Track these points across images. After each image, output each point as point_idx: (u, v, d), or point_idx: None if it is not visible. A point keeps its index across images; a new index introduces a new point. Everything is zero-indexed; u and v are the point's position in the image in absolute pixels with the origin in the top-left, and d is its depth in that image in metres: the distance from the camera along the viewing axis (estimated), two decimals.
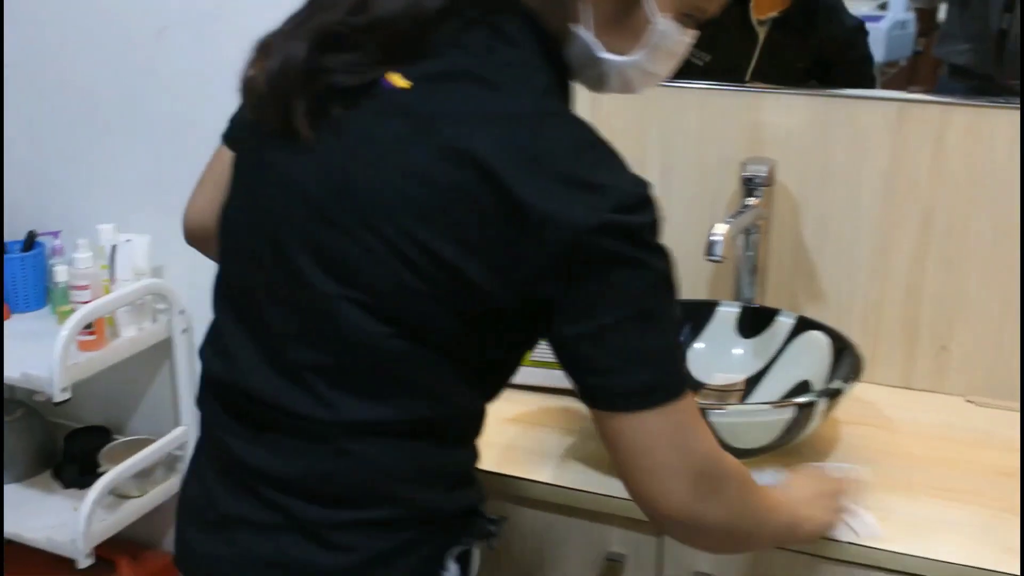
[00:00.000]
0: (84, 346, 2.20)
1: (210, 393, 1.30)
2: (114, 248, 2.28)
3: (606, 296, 1.09)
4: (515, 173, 1.06)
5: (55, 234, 2.41)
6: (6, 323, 2.36)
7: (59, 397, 2.09)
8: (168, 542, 2.57)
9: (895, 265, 1.90)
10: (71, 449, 2.47)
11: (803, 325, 1.79)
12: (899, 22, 1.82)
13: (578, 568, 1.60)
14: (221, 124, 2.25)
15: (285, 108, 1.15)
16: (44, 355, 2.09)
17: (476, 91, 1.12)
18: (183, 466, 2.43)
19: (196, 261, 2.37)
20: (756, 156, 1.86)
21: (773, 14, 1.82)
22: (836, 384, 1.63)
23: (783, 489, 1.43)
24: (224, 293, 1.30)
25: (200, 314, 2.40)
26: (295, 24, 1.19)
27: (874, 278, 1.92)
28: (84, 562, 2.18)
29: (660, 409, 1.12)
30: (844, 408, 1.71)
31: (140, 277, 2.31)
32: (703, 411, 1.48)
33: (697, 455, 1.16)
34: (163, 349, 2.42)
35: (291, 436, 1.20)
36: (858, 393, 1.77)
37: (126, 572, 2.47)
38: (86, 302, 2.19)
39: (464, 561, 1.27)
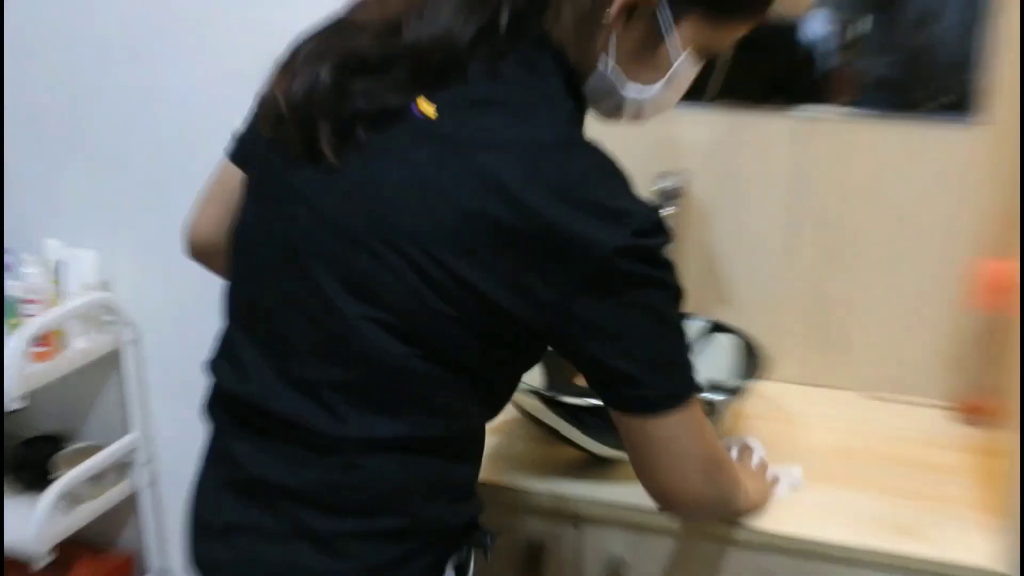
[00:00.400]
0: (36, 357, 2.20)
1: (220, 404, 1.29)
2: (62, 263, 2.29)
3: (632, 314, 1.12)
4: (545, 200, 1.05)
5: (5, 250, 2.36)
6: None
7: (15, 405, 2.09)
8: (121, 542, 2.65)
9: (798, 270, 1.92)
10: (26, 455, 2.46)
11: (713, 328, 1.81)
12: (821, 36, 1.82)
13: (503, 558, 1.60)
14: (164, 143, 2.27)
15: (309, 131, 1.13)
16: None
17: (505, 119, 1.11)
18: (133, 470, 2.47)
19: (142, 275, 2.39)
20: (671, 168, 1.87)
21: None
22: (741, 382, 1.65)
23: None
24: (237, 307, 1.27)
25: (147, 325, 2.42)
26: (320, 46, 1.16)
27: (779, 282, 1.94)
28: (41, 562, 2.19)
29: (683, 408, 1.17)
30: (751, 404, 1.76)
31: (89, 291, 2.31)
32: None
33: (708, 443, 1.23)
34: (112, 360, 2.41)
35: (302, 448, 1.18)
36: (764, 390, 1.80)
37: (81, 572, 2.48)
38: (35, 315, 2.20)
39: (461, 570, 1.28)
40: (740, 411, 1.77)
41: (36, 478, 2.39)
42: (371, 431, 1.16)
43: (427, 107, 1.12)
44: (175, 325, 2.39)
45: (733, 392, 1.62)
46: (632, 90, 1.21)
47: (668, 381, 1.16)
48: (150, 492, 2.52)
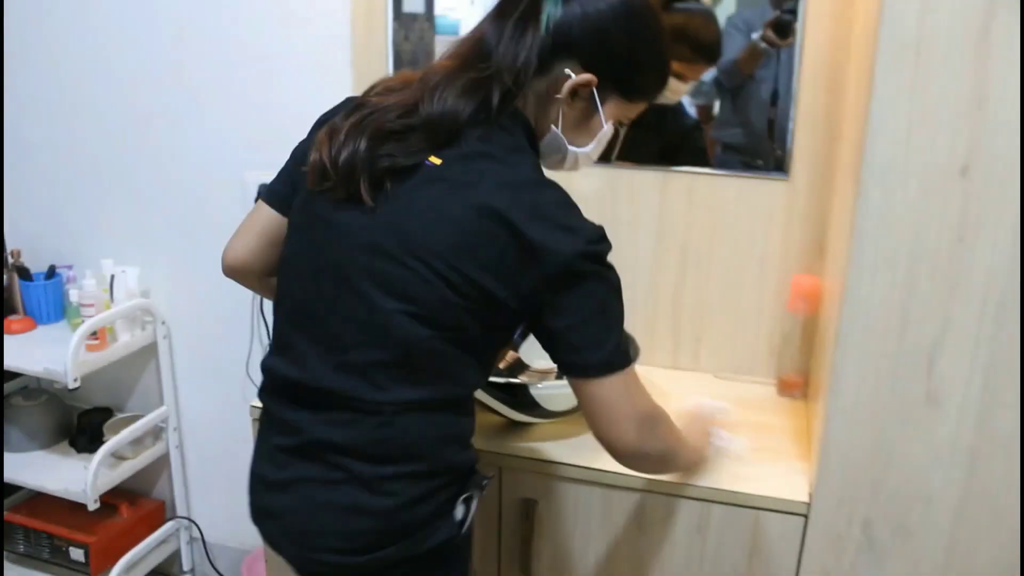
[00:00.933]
0: (91, 348, 2.21)
1: (277, 389, 1.29)
2: (112, 276, 2.28)
3: (581, 299, 1.16)
4: (525, 222, 1.12)
5: (69, 267, 2.40)
6: (33, 332, 2.33)
7: (72, 385, 2.10)
8: (156, 491, 2.62)
9: (664, 284, 1.95)
10: (82, 423, 2.44)
11: None
12: (688, 114, 1.84)
13: None
14: (192, 189, 2.24)
15: (351, 184, 1.18)
16: (61, 355, 2.10)
17: (493, 166, 1.17)
18: (166, 435, 2.47)
19: (174, 287, 2.35)
20: None
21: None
22: None
23: (684, 429, 1.48)
24: (292, 314, 1.28)
25: (177, 325, 2.41)
26: (352, 123, 1.20)
27: (650, 292, 1.96)
28: (92, 506, 2.19)
29: (617, 374, 1.19)
30: None
31: (132, 298, 2.30)
32: (525, 386, 1.56)
33: (641, 404, 1.23)
34: (149, 350, 2.41)
35: (350, 413, 1.21)
36: (640, 372, 1.64)
37: (125, 513, 2.46)
38: (91, 316, 2.20)
39: (467, 504, 1.29)
40: None
41: (91, 440, 2.38)
42: (403, 396, 1.20)
43: (436, 161, 1.18)
44: (198, 325, 2.39)
45: None
46: (572, 148, 1.28)
47: (605, 352, 1.19)
48: (177, 452, 2.50)
